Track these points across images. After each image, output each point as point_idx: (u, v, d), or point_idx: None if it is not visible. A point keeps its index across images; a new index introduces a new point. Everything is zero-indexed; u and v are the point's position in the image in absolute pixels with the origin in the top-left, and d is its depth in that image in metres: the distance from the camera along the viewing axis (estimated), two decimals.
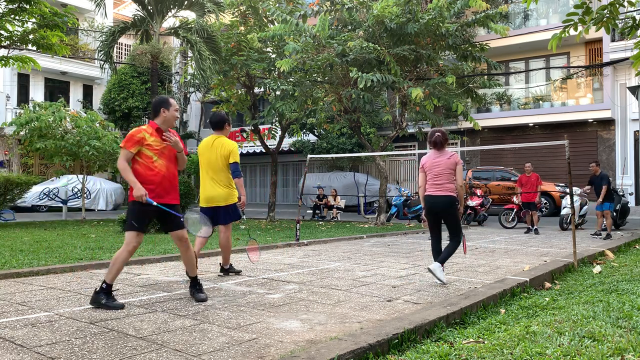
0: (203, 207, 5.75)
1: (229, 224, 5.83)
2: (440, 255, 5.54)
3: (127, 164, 4.38)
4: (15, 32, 12.74)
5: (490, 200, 15.31)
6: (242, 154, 27.26)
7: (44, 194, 20.15)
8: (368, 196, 19.96)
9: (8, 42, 12.93)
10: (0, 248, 7.94)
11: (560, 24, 10.19)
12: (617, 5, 5.96)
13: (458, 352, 3.17)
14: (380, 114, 22.31)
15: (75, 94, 27.45)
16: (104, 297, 4.26)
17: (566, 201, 12.49)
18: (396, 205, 15.79)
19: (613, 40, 18.90)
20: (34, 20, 12.56)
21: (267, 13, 14.55)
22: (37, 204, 20.45)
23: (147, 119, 26.72)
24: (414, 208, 15.55)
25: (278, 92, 14.69)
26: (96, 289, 4.34)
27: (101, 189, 21.92)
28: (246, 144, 23.13)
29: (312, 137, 25.44)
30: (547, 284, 5.59)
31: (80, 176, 17.08)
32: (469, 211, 14.44)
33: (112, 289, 4.35)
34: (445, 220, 5.63)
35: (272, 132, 17.92)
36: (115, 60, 15.64)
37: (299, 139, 23.48)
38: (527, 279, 5.42)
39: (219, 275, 6.01)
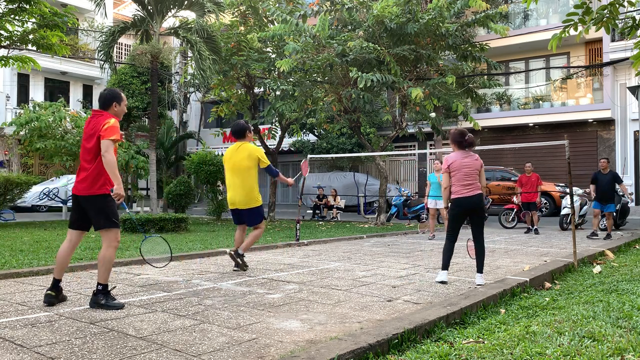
0: (231, 209, 6.28)
1: (258, 225, 6.29)
2: (479, 266, 5.46)
3: None
4: (15, 32, 12.73)
5: (490, 200, 15.31)
6: None
7: (44, 194, 20.14)
8: (368, 196, 19.96)
9: (8, 42, 12.92)
10: (0, 248, 7.94)
11: (560, 24, 10.19)
12: (617, 5, 5.96)
13: (458, 352, 3.17)
14: (380, 114, 22.31)
15: (75, 94, 27.44)
16: (102, 298, 4.24)
17: (566, 201, 12.49)
18: (396, 205, 15.79)
19: (613, 40, 18.90)
20: (34, 20, 12.55)
21: (267, 13, 14.55)
22: (37, 204, 20.44)
23: (147, 119, 26.73)
24: (414, 208, 15.56)
25: (278, 92, 14.69)
26: (94, 291, 4.33)
27: None
28: None
29: (312, 137, 25.44)
30: (547, 284, 5.59)
31: None
32: None
33: (109, 288, 4.34)
34: (476, 220, 5.51)
35: (272, 132, 17.91)
36: (115, 60, 15.63)
37: (299, 139, 23.49)
38: (527, 279, 5.42)
39: (229, 253, 6.32)
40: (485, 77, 16.03)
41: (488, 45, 14.63)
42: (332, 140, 23.21)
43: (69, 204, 18.67)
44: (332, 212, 17.68)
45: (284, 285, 5.38)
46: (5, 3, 12.02)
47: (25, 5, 12.00)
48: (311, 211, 18.63)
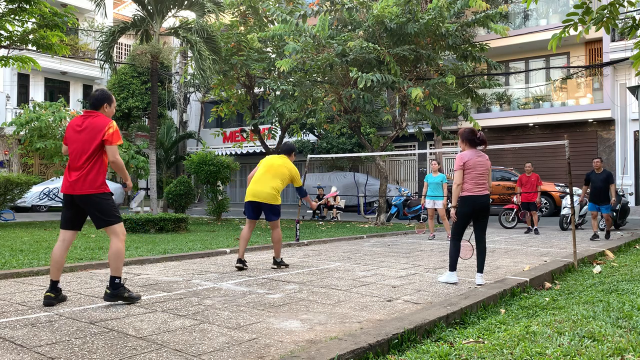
0: (249, 201, 6.51)
1: (277, 221, 6.58)
2: (479, 266, 5.46)
3: None
4: (15, 32, 12.73)
5: (491, 200, 15.31)
6: (242, 154, 27.36)
7: (44, 194, 20.15)
8: (368, 196, 19.97)
9: (8, 42, 12.93)
10: (0, 248, 7.94)
11: (560, 24, 10.21)
12: (617, 5, 5.96)
13: (458, 352, 3.17)
14: (380, 114, 22.32)
15: (75, 94, 27.44)
16: (124, 291, 4.37)
17: (566, 201, 12.49)
18: (396, 205, 15.79)
19: (613, 40, 18.90)
20: (34, 20, 12.55)
21: (267, 13, 14.56)
22: (37, 204, 20.44)
23: (147, 119, 26.73)
24: (414, 208, 15.56)
25: (278, 92, 14.69)
26: (107, 290, 4.36)
27: None
28: (246, 144, 23.15)
29: (312, 137, 25.45)
30: (547, 284, 5.60)
31: None
32: None
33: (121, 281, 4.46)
34: (481, 220, 5.50)
35: (272, 132, 17.91)
36: (115, 60, 15.63)
37: (299, 139, 23.50)
38: (527, 279, 5.42)
39: (272, 268, 6.64)
40: (485, 77, 16.03)
41: (488, 45, 14.62)
42: (332, 140, 23.22)
43: None
44: (332, 212, 17.69)
45: (284, 285, 5.38)
46: (5, 3, 12.02)
47: (25, 5, 12.01)
48: (311, 211, 18.63)
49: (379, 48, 12.55)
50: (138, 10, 15.43)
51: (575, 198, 12.04)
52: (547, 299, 4.83)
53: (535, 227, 11.97)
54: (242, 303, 4.51)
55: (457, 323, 3.99)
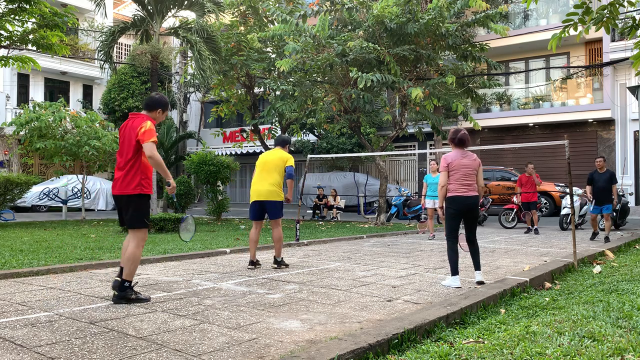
0: (254, 200, 6.64)
1: (278, 220, 6.64)
2: (476, 264, 5.50)
3: None
4: (15, 32, 12.73)
5: (490, 200, 15.31)
6: (242, 154, 27.36)
7: (44, 194, 20.15)
8: (368, 196, 19.97)
9: (8, 42, 12.92)
10: (0, 248, 7.94)
11: (560, 24, 10.19)
12: (617, 5, 5.96)
13: (458, 352, 3.17)
14: (380, 114, 22.31)
15: (75, 94, 27.44)
16: (132, 293, 4.45)
17: (566, 201, 12.48)
18: (396, 205, 15.79)
19: (613, 40, 18.90)
20: (34, 20, 12.55)
21: (267, 13, 14.56)
22: (37, 204, 20.44)
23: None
24: (413, 208, 15.55)
25: (278, 92, 14.69)
26: (115, 292, 4.43)
27: (101, 189, 21.91)
28: (246, 144, 23.16)
29: (312, 137, 25.44)
30: (547, 284, 5.59)
31: (80, 176, 17.09)
32: None
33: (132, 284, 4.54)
34: (471, 221, 5.53)
35: (272, 132, 17.90)
36: (115, 60, 15.63)
37: (299, 139, 23.48)
38: (527, 279, 5.42)
39: (272, 267, 6.64)
40: (485, 77, 16.02)
41: (488, 45, 14.62)
42: (332, 140, 23.21)
43: (69, 204, 18.81)
44: (332, 212, 17.68)
45: (284, 285, 5.38)
46: (5, 3, 12.01)
47: (25, 5, 12.00)
48: (311, 211, 18.63)
49: (379, 48, 12.55)
50: (138, 10, 15.42)
51: (575, 198, 12.04)
52: (547, 299, 4.83)
53: (535, 227, 11.98)
54: (242, 303, 4.51)
55: (457, 323, 3.99)
